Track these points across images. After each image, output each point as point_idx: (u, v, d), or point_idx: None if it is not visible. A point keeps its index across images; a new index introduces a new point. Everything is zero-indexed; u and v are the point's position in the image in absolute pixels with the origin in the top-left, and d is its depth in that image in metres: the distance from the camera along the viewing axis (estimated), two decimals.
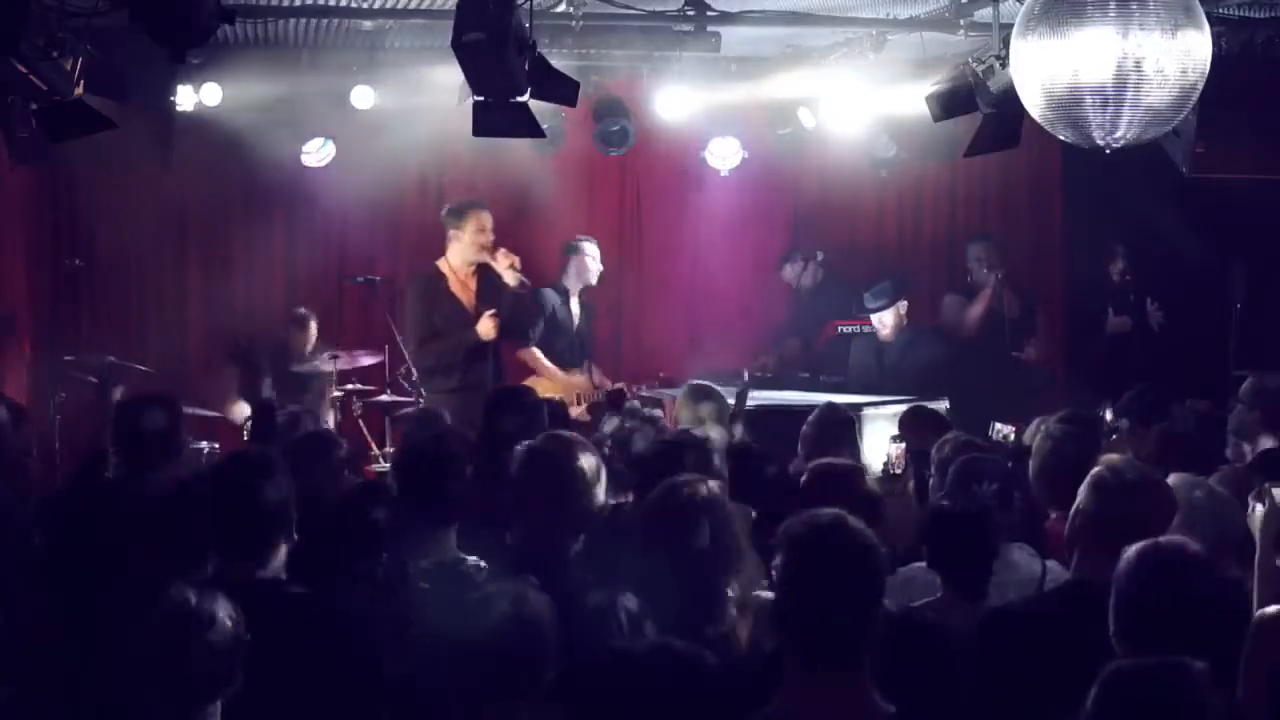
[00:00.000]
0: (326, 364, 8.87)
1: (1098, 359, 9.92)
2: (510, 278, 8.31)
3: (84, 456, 5.66)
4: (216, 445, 7.64)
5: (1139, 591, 3.22)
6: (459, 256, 8.44)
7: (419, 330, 8.41)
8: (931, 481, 5.39)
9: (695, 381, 6.83)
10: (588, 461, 4.07)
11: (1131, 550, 3.29)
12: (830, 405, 6.33)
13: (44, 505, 4.83)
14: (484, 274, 8.44)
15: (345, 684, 3.56)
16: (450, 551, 4.17)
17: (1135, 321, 9.81)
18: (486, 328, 8.26)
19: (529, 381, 8.47)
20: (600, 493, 4.10)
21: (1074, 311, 10.57)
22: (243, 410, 8.91)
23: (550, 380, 8.80)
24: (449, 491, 4.24)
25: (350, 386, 9.01)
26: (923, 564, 4.44)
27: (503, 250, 8.35)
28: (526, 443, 4.22)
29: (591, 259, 9.13)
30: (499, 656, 3.13)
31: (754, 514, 4.43)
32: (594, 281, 9.15)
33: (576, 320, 9.15)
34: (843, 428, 6.06)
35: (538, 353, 8.89)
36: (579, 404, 8.62)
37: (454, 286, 8.42)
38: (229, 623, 3.02)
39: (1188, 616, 3.16)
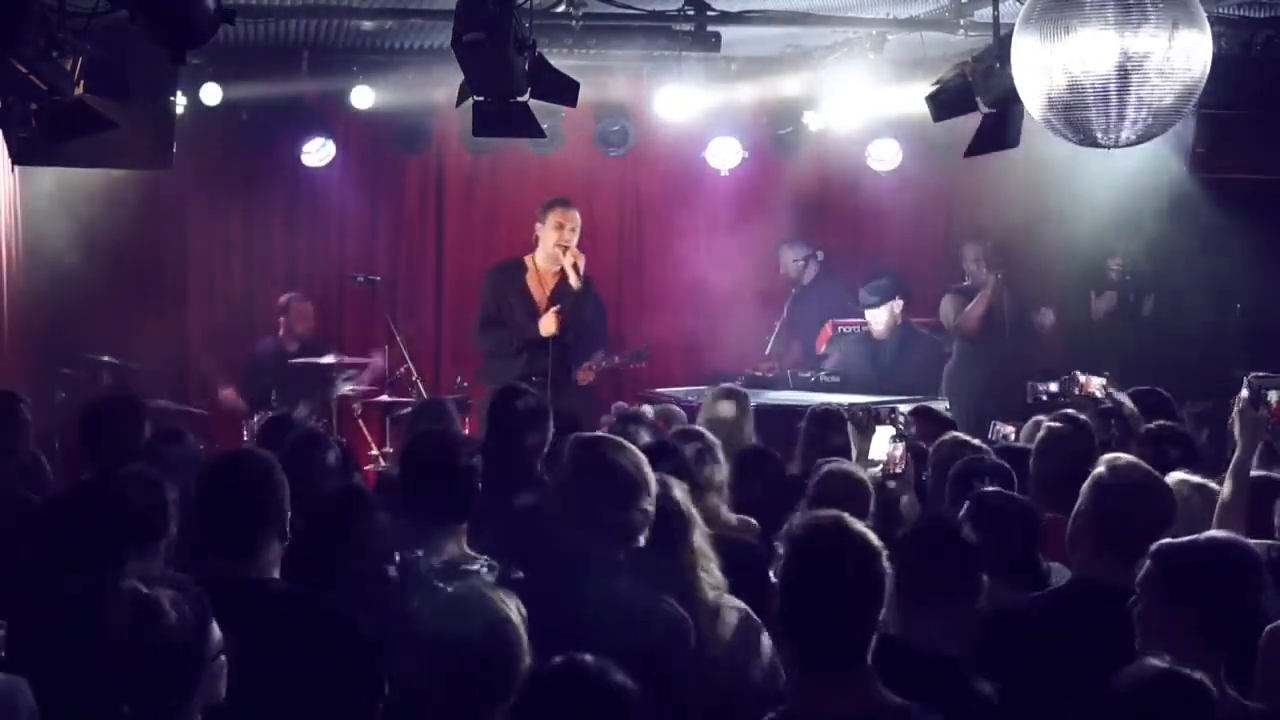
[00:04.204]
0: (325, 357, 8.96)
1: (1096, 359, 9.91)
2: (572, 278, 8.31)
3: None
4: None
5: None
6: (541, 252, 8.45)
7: (481, 313, 8.55)
8: (929, 481, 5.37)
9: (726, 384, 6.84)
10: (639, 462, 4.02)
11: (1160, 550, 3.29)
12: (819, 406, 6.32)
13: (48, 506, 4.82)
14: (565, 275, 8.46)
15: (342, 683, 3.55)
16: (460, 550, 4.15)
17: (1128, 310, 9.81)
18: (548, 323, 8.26)
19: None
20: (651, 494, 4.04)
21: (1073, 311, 10.55)
22: (233, 396, 9.15)
23: None
24: (454, 489, 4.21)
25: (351, 388, 9.04)
26: None
27: (573, 249, 8.33)
28: (575, 441, 4.12)
29: None
30: (467, 659, 3.14)
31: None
32: None
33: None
34: (833, 427, 6.05)
35: None
36: None
37: (530, 280, 8.44)
38: (174, 615, 2.86)
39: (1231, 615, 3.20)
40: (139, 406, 5.40)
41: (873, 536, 2.97)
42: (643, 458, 3.96)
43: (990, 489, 4.40)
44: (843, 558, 2.90)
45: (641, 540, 3.84)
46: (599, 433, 4.29)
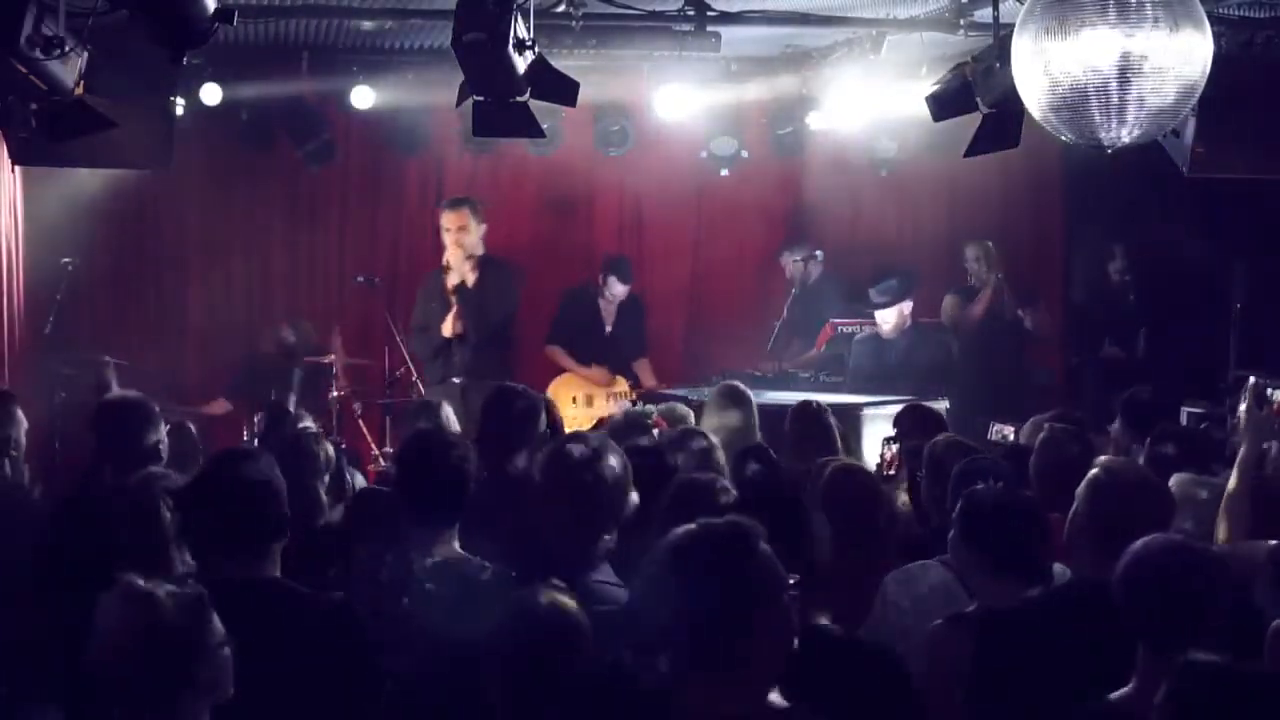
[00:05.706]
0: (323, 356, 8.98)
1: (1095, 360, 9.94)
2: (452, 278, 8.58)
3: (88, 459, 5.67)
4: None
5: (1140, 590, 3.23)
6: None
7: (413, 319, 8.87)
8: (923, 482, 5.34)
9: (727, 383, 6.82)
10: (615, 462, 4.06)
11: (1131, 550, 3.29)
12: (803, 404, 6.29)
13: (53, 507, 4.83)
14: (485, 271, 8.54)
15: (344, 682, 3.55)
16: (454, 550, 4.16)
17: (1129, 347, 9.85)
18: (446, 325, 8.53)
19: (558, 379, 9.20)
20: (629, 492, 4.08)
21: (1072, 311, 10.57)
22: (222, 406, 9.21)
23: (572, 374, 9.34)
24: (447, 488, 4.22)
25: (349, 387, 9.04)
26: (926, 561, 4.42)
27: (455, 246, 8.56)
28: (551, 445, 4.20)
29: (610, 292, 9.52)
30: (536, 660, 3.16)
31: None
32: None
33: (610, 324, 9.46)
34: (819, 424, 6.03)
35: (558, 351, 9.44)
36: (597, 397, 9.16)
37: (447, 281, 8.60)
38: (170, 605, 2.90)
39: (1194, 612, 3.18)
40: (151, 409, 5.40)
41: (747, 540, 2.86)
42: (617, 458, 4.03)
43: (982, 486, 4.34)
44: (693, 563, 2.82)
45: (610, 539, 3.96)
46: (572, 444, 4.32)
